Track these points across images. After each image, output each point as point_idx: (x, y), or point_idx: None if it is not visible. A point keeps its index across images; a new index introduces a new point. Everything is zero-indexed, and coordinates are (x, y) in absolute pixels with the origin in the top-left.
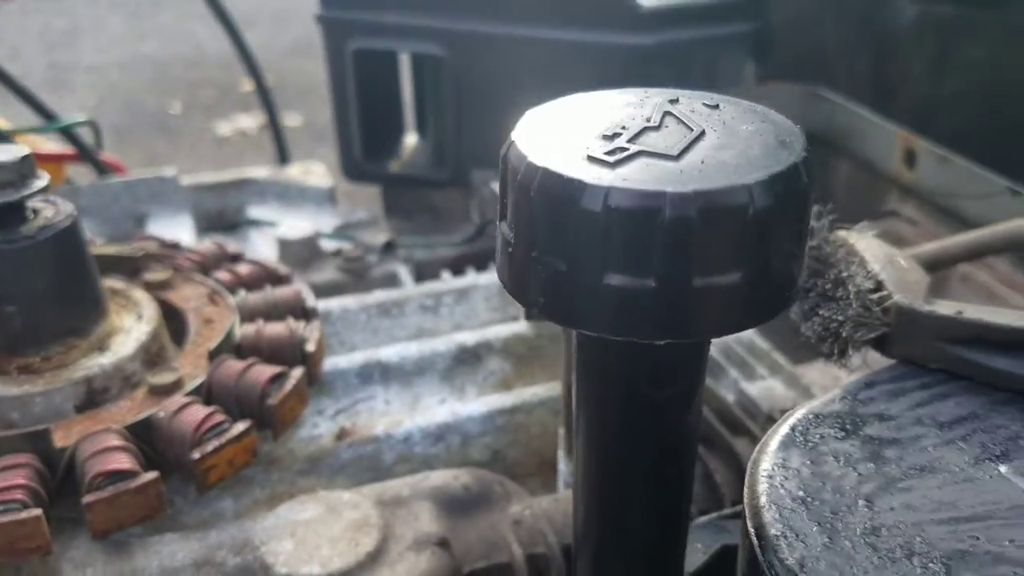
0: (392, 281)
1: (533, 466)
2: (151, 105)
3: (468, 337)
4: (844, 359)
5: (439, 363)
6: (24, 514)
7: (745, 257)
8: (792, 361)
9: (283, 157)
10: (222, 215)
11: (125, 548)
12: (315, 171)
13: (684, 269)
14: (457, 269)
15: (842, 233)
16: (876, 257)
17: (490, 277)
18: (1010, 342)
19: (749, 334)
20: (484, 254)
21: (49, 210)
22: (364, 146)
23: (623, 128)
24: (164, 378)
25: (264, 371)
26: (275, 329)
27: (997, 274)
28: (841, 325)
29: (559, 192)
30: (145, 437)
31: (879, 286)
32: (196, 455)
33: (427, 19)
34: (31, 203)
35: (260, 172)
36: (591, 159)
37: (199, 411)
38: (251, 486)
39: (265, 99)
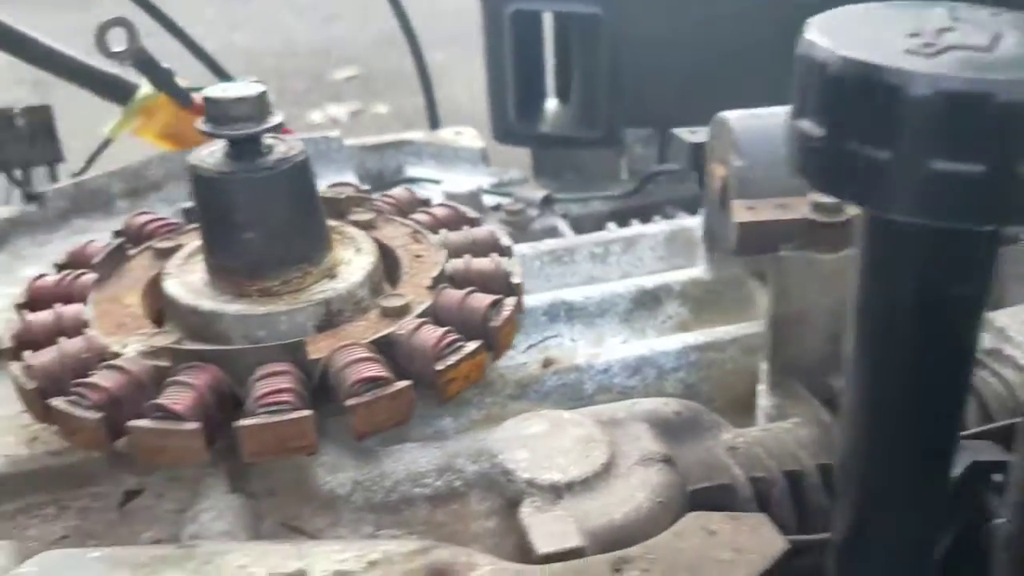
0: (552, 234)
1: (725, 402)
2: None
3: (647, 280)
4: None
5: (620, 304)
6: (295, 414)
7: None
8: None
9: (434, 123)
10: (381, 174)
11: (372, 455)
12: (466, 133)
13: (1013, 154)
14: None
15: None
16: None
17: (655, 227)
18: None
19: None
20: (637, 208)
21: (281, 145)
22: (517, 108)
23: (920, 30)
24: (394, 302)
25: (483, 297)
26: (482, 263)
27: None
28: None
29: (885, 82)
30: (386, 353)
31: None
32: (440, 367)
33: None
34: (265, 138)
35: (415, 135)
36: (908, 52)
37: (435, 329)
38: (468, 407)
39: (422, 72)
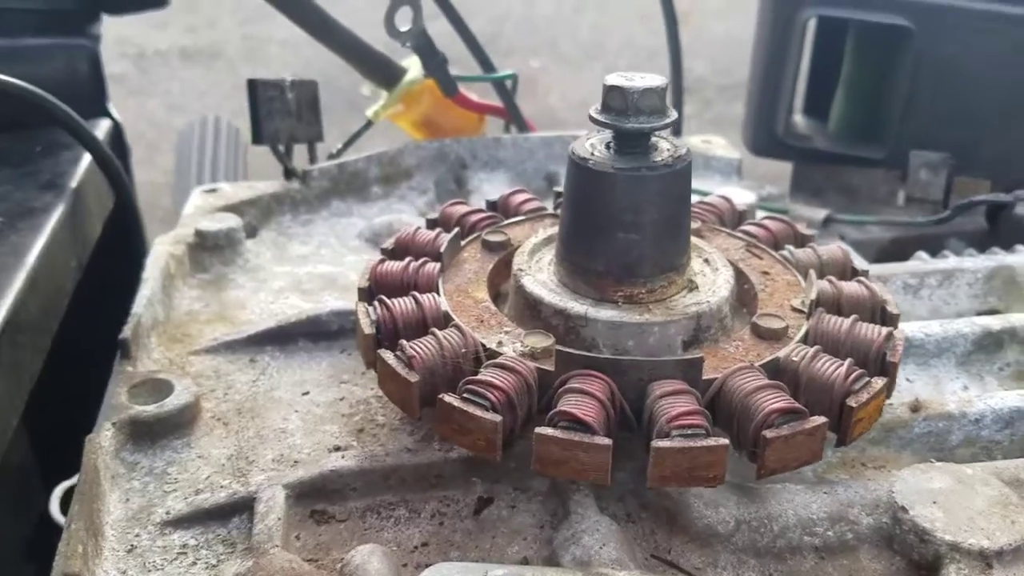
0: None
1: None
2: (343, 84)
3: (994, 322)
4: None
5: (960, 346)
6: (711, 441)
7: None
8: None
9: (678, 129)
10: None
11: (755, 493)
12: (717, 142)
13: None
14: (893, 255)
15: None
16: None
17: (974, 262)
18: None
19: None
20: (918, 239)
21: (663, 143)
22: (787, 121)
23: None
24: (773, 324)
25: (875, 328)
26: (854, 288)
27: None
28: None
29: None
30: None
31: None
32: (852, 403)
33: None
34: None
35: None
36: None
37: (836, 361)
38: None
39: (677, 69)
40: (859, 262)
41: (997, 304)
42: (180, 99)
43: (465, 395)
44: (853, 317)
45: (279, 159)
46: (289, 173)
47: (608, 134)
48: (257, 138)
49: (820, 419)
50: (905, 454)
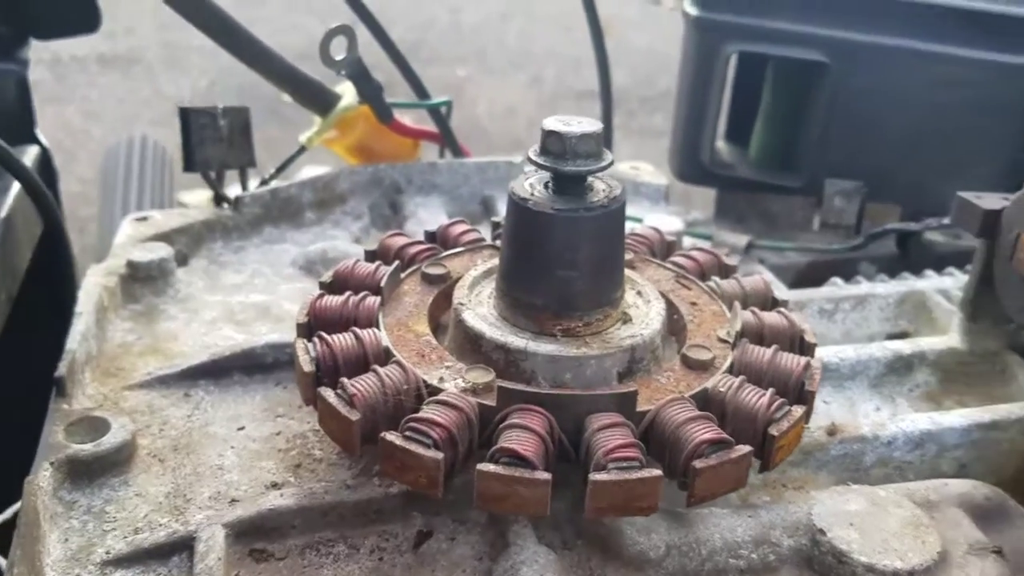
0: None
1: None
2: (264, 91)
3: (904, 346)
4: None
5: (873, 369)
6: (645, 473)
7: None
8: None
9: (608, 142)
10: None
11: (684, 518)
12: (644, 168)
13: None
14: (809, 278)
15: None
16: None
17: (886, 287)
18: None
19: None
20: (832, 264)
21: (600, 184)
22: (711, 149)
23: None
24: (701, 355)
25: (795, 358)
26: (774, 318)
27: None
28: None
29: None
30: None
31: None
32: (774, 431)
33: (813, 26)
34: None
35: None
36: None
37: (759, 391)
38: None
39: (605, 82)
40: (779, 292)
41: (907, 327)
42: (98, 106)
43: (407, 433)
44: (774, 347)
45: (211, 186)
46: (220, 199)
47: (546, 174)
48: (189, 166)
49: (745, 448)
50: (822, 474)
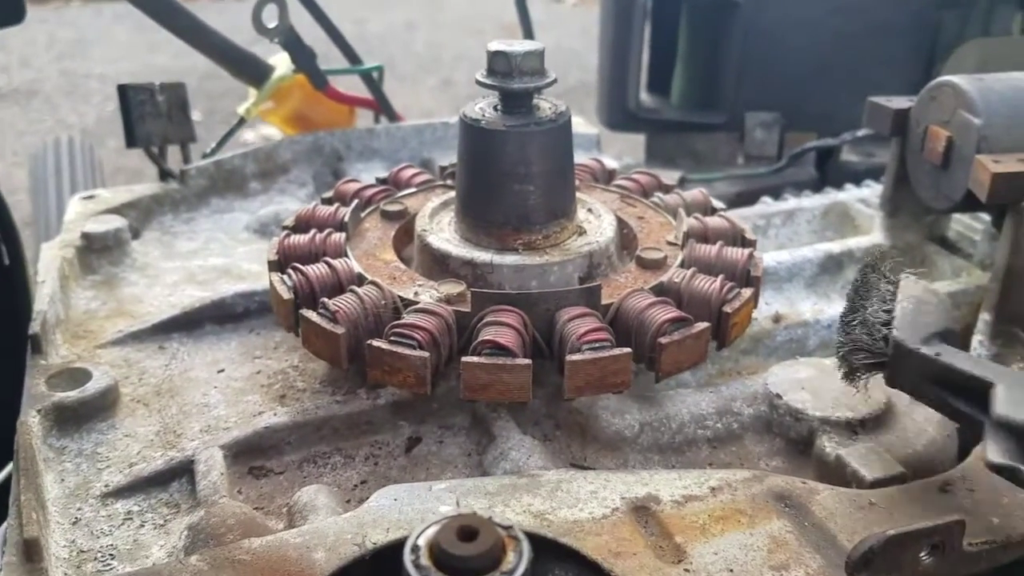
0: None
1: None
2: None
3: (834, 246)
4: (852, 380)
5: (808, 270)
6: (617, 351)
7: None
8: None
9: None
10: None
11: (653, 399)
12: (575, 121)
13: None
14: (741, 205)
15: (904, 274)
16: (907, 296)
17: (811, 201)
18: (969, 387)
19: None
20: (759, 191)
21: (545, 103)
22: (636, 96)
23: None
24: (653, 255)
25: (739, 250)
26: (718, 221)
27: None
28: (846, 347)
29: None
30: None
31: (890, 321)
32: (728, 309)
33: None
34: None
35: None
36: None
37: (711, 278)
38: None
39: None
40: (717, 202)
41: (833, 236)
42: None
43: (392, 338)
44: (719, 243)
45: (154, 161)
46: (165, 174)
47: (494, 98)
48: (131, 141)
49: (704, 324)
50: (772, 360)
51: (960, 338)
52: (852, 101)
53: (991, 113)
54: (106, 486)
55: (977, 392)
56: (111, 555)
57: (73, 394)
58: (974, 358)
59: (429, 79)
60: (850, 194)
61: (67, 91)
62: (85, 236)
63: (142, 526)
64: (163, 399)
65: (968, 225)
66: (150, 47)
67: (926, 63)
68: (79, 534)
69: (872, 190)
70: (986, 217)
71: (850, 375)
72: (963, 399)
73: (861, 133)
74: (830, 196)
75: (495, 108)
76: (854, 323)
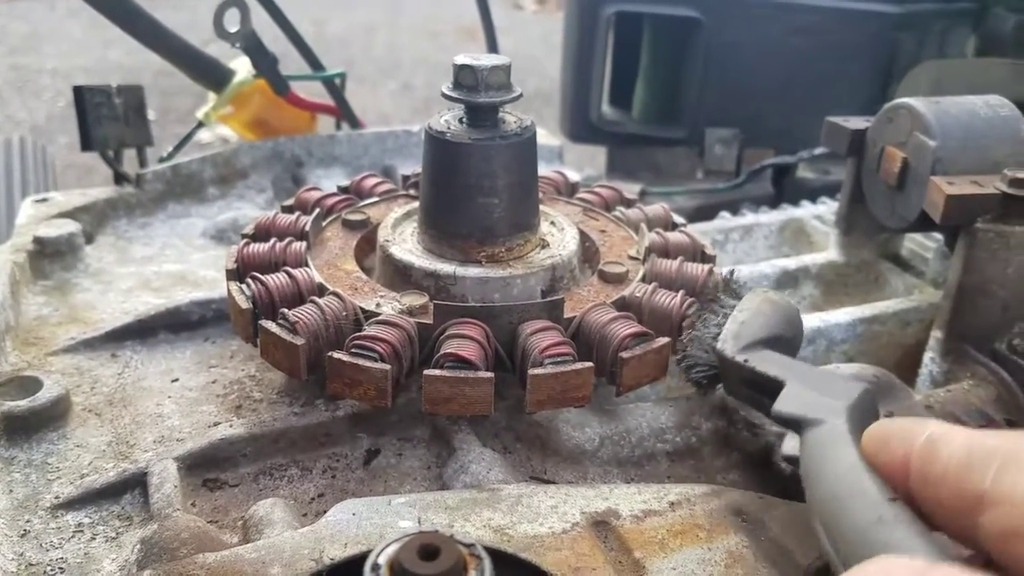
0: None
1: None
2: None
3: (791, 262)
4: (702, 392)
5: (764, 284)
6: (579, 365)
7: None
8: None
9: None
10: None
11: (613, 413)
12: (537, 131)
13: None
14: (699, 219)
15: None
16: (744, 308)
17: (768, 217)
18: (770, 388)
19: None
20: (718, 205)
21: (510, 117)
22: (599, 108)
23: None
24: (615, 269)
25: (698, 266)
26: (678, 236)
27: None
28: (684, 363)
29: None
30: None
31: (718, 335)
32: (687, 325)
33: None
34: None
35: None
36: None
37: (671, 293)
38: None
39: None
40: (678, 218)
41: (790, 252)
42: None
43: (353, 350)
44: (680, 259)
45: (109, 164)
46: (120, 178)
47: (459, 111)
48: (87, 144)
49: (665, 339)
50: None
51: (913, 355)
52: (810, 119)
53: (946, 136)
54: (56, 497)
55: (776, 392)
56: (61, 568)
57: (23, 403)
58: (782, 360)
59: (389, 83)
60: (806, 210)
61: (17, 86)
62: (37, 240)
63: (93, 539)
64: (116, 409)
65: (921, 244)
66: (104, 43)
67: (883, 83)
68: (28, 547)
69: (828, 207)
70: (939, 236)
71: (697, 387)
72: (768, 399)
73: (818, 151)
74: (787, 212)
75: (460, 121)
76: (692, 341)
